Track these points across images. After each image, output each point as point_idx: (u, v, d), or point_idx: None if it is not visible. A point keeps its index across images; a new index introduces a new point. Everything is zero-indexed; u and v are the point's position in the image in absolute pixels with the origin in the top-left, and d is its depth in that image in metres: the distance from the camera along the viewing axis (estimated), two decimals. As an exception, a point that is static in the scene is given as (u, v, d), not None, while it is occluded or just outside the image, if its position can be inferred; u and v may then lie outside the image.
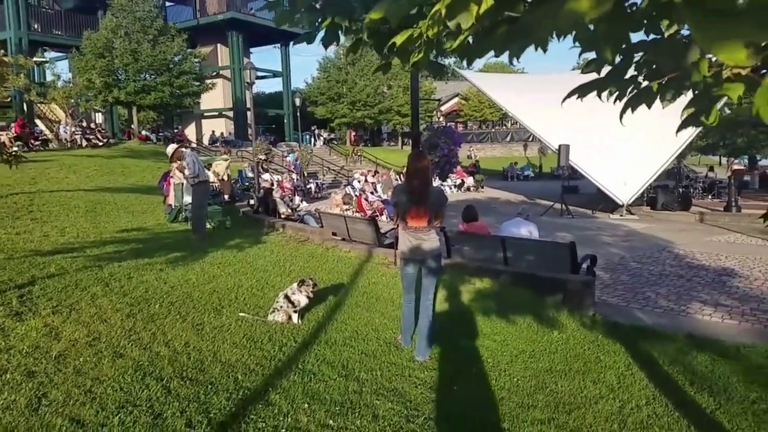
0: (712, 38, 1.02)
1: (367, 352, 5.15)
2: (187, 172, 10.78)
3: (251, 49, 41.40)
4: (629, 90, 1.77)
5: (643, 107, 1.88)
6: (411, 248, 5.04)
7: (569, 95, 1.86)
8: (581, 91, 1.77)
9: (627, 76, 1.76)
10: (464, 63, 2.10)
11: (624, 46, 1.55)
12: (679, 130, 1.89)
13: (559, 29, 1.24)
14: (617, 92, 1.80)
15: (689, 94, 1.75)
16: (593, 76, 1.87)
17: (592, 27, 1.53)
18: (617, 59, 1.69)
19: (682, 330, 6.12)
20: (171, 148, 11.53)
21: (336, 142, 45.57)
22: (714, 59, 1.50)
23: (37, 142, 25.24)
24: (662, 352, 5.34)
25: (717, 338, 5.85)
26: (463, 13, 1.25)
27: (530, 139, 45.01)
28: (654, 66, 1.67)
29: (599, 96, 1.78)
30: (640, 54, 1.75)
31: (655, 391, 4.47)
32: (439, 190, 5.31)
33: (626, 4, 1.39)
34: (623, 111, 1.80)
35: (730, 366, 4.97)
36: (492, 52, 1.57)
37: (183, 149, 11.61)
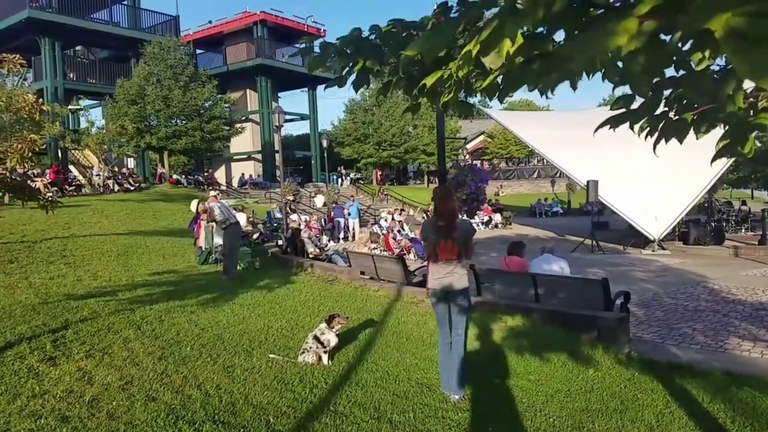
0: (754, 68, 1.01)
1: (398, 393, 5.08)
2: (219, 219, 11.13)
3: (279, 94, 42.21)
4: (660, 125, 1.77)
5: (674, 142, 1.87)
6: (439, 284, 5.01)
7: (602, 125, 1.86)
8: (613, 121, 1.77)
9: (658, 111, 1.76)
10: (488, 101, 2.12)
11: (658, 80, 1.55)
12: (713, 160, 1.88)
13: (593, 63, 1.24)
14: (648, 127, 1.79)
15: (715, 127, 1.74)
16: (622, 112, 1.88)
17: (621, 63, 1.53)
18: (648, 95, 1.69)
19: (720, 366, 5.95)
20: (194, 206, 11.87)
21: (362, 182, 45.86)
22: (749, 90, 1.49)
23: (71, 188, 25.81)
24: (701, 389, 5.18)
25: (758, 374, 5.66)
26: (495, 51, 1.27)
27: (557, 176, 44.79)
28: (684, 100, 1.67)
29: (632, 128, 1.78)
30: (669, 90, 1.75)
31: (695, 430, 4.34)
32: (466, 223, 5.29)
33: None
34: (656, 142, 1.79)
35: (773, 403, 4.81)
36: (512, 91, 1.58)
37: (205, 203, 11.87)
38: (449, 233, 4.93)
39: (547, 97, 1.57)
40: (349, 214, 23.52)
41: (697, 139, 1.80)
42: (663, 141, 1.90)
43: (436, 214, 5.06)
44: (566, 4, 1.18)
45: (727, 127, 1.68)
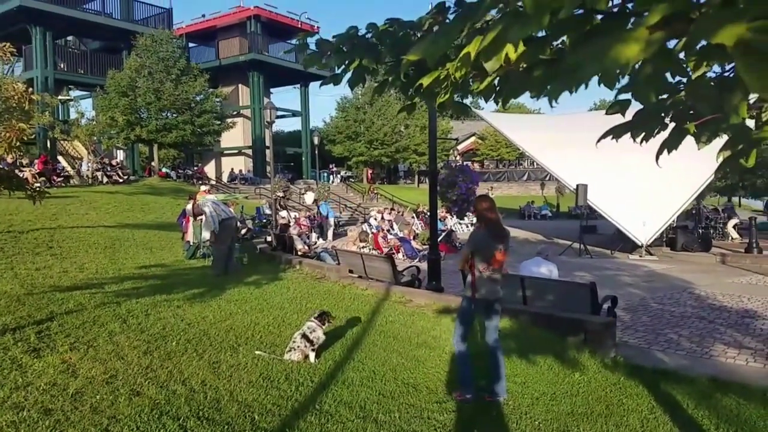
0: (765, 83, 1.00)
1: (384, 393, 5.07)
2: (205, 219, 11.38)
3: (271, 89, 42.09)
4: (656, 131, 1.77)
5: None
6: (491, 290, 5.07)
7: (604, 136, 1.86)
8: (616, 132, 1.77)
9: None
10: (485, 102, 2.10)
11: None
12: (717, 171, 1.88)
13: (604, 72, 1.24)
14: (643, 133, 1.79)
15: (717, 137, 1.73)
16: (617, 116, 1.87)
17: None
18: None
19: (705, 373, 5.99)
20: (189, 210, 12.33)
21: (353, 180, 45.81)
22: (753, 102, 1.49)
23: (59, 179, 25.60)
24: (686, 395, 5.22)
25: (742, 381, 5.71)
26: (497, 56, 1.26)
27: (547, 178, 44.90)
28: (681, 108, 1.66)
29: (633, 138, 1.78)
30: (665, 96, 1.75)
31: (679, 436, 4.37)
32: (507, 230, 5.29)
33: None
34: (659, 152, 1.79)
35: (757, 410, 4.85)
36: (514, 97, 1.57)
37: (201, 204, 11.99)
38: (505, 241, 5.09)
39: (551, 105, 1.55)
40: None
41: (698, 149, 1.80)
42: (654, 149, 1.90)
43: (489, 223, 5.08)
44: (572, 10, 1.17)
45: (727, 138, 1.69)
